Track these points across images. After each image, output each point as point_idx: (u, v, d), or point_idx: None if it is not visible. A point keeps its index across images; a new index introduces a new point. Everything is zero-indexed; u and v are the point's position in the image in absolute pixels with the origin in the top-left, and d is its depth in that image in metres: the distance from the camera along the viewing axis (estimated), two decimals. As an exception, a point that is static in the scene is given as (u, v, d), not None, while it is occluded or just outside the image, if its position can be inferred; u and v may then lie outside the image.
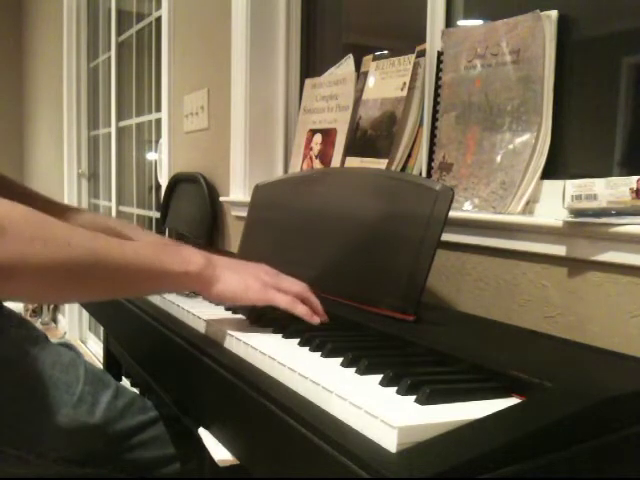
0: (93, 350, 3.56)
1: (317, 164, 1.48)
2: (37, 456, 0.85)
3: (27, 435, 0.84)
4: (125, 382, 1.10)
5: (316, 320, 0.78)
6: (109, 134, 3.28)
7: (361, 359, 0.62)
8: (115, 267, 0.67)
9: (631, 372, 0.66)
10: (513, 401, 0.56)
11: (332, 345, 0.67)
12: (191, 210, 2.04)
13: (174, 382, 0.85)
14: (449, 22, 1.20)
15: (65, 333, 3.92)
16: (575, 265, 0.90)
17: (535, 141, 0.98)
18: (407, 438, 0.46)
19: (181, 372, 0.80)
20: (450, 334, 0.81)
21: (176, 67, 2.25)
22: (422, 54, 1.22)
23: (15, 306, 0.97)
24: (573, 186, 0.85)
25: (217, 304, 0.91)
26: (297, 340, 0.72)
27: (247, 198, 1.49)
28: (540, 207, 1.00)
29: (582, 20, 0.99)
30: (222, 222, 1.94)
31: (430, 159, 1.16)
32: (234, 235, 1.85)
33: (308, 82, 1.58)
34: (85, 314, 3.76)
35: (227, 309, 0.89)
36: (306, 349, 0.69)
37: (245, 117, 1.76)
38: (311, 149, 1.51)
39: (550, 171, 0.99)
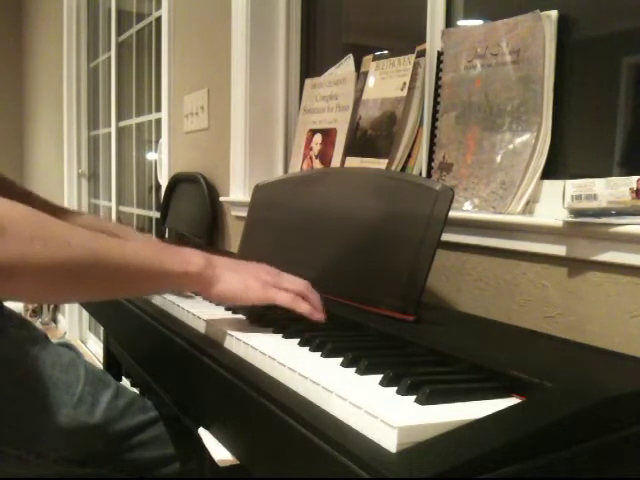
0: (93, 350, 3.56)
1: (317, 164, 1.48)
2: (37, 456, 0.85)
3: (27, 435, 0.84)
4: (125, 382, 1.10)
5: (318, 316, 0.78)
6: (109, 134, 3.28)
7: (361, 359, 0.62)
8: (115, 267, 0.67)
9: (631, 372, 0.66)
10: (513, 401, 0.56)
11: (332, 345, 0.67)
12: (191, 210, 2.04)
13: (174, 382, 0.85)
14: (449, 22, 1.20)
15: (65, 333, 3.92)
16: (575, 265, 0.90)
17: (535, 141, 0.98)
18: (407, 438, 0.46)
19: (181, 372, 0.80)
20: (450, 334, 0.81)
21: (176, 67, 2.25)
22: (422, 54, 1.22)
23: (15, 306, 0.97)
24: (573, 186, 0.85)
25: (217, 304, 0.91)
26: (297, 340, 0.72)
27: (247, 198, 1.49)
28: (540, 207, 1.00)
29: (582, 20, 0.99)
30: (222, 222, 1.94)
31: (430, 159, 1.16)
32: (234, 235, 1.85)
33: (308, 82, 1.58)
34: (85, 314, 3.76)
35: (227, 309, 0.89)
36: (306, 349, 0.69)
37: (245, 117, 1.76)
38: (311, 149, 1.51)
39: (550, 171, 0.99)
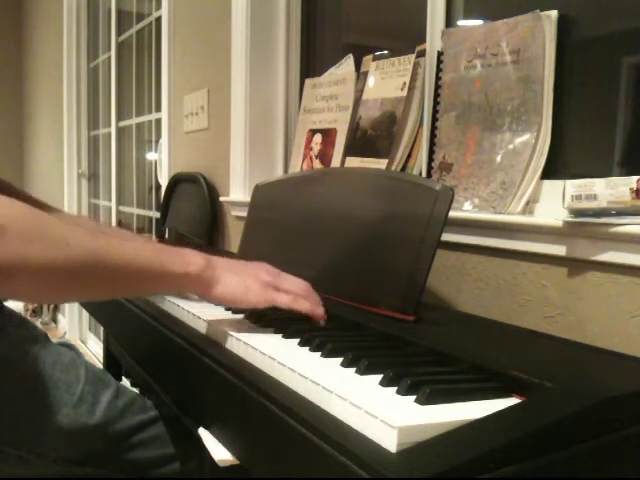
0: (93, 350, 3.56)
1: (317, 164, 1.48)
2: (37, 456, 0.85)
3: (27, 435, 0.84)
4: (125, 382, 1.10)
5: (319, 312, 0.78)
6: (109, 134, 3.28)
7: (361, 359, 0.62)
8: (115, 267, 0.67)
9: (631, 372, 0.66)
10: (513, 401, 0.56)
11: (332, 345, 0.67)
12: (191, 210, 2.04)
13: (174, 382, 0.85)
14: (449, 22, 1.20)
15: (65, 333, 3.92)
16: (575, 265, 0.90)
17: (535, 141, 0.98)
18: (407, 438, 0.46)
19: (181, 372, 0.80)
20: (450, 334, 0.81)
21: (176, 67, 2.25)
22: (422, 54, 1.22)
23: (15, 306, 0.97)
24: (573, 186, 0.85)
25: (217, 304, 0.91)
26: (297, 340, 0.72)
27: (247, 198, 1.49)
28: (540, 207, 1.00)
29: (582, 20, 0.99)
30: (222, 222, 1.94)
31: (430, 159, 1.16)
32: (234, 235, 1.85)
33: (308, 82, 1.58)
34: (85, 314, 3.76)
35: (227, 309, 0.89)
36: (306, 349, 0.69)
37: (245, 117, 1.76)
38: (311, 149, 1.51)
39: (550, 171, 0.99)
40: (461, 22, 1.20)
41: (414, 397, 0.53)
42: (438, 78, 1.15)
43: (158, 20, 2.49)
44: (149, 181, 2.89)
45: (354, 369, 0.61)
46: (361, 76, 1.38)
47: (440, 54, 1.15)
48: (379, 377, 0.58)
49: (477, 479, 0.44)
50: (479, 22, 1.14)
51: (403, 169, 1.25)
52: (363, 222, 0.95)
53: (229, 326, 0.77)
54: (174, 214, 2.16)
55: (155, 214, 2.74)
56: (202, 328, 0.81)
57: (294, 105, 1.76)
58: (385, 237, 0.90)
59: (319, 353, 0.67)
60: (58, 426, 0.85)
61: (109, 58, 3.23)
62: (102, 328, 1.77)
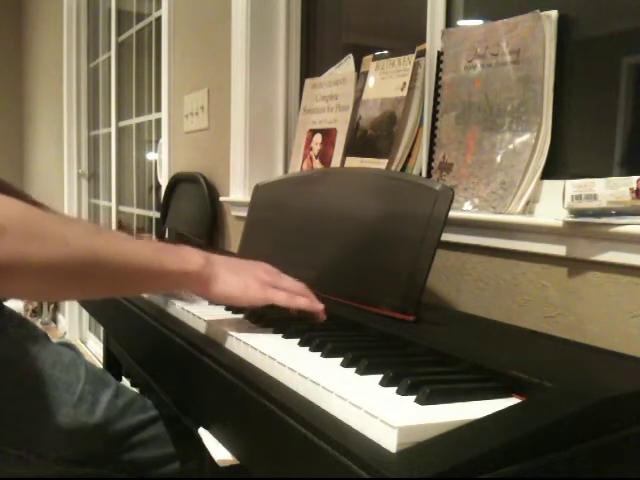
0: (93, 350, 3.56)
1: (317, 164, 1.48)
2: (37, 456, 0.85)
3: (27, 435, 0.84)
4: (125, 382, 1.10)
5: (318, 307, 0.78)
6: (109, 134, 3.28)
7: (361, 359, 0.62)
8: (114, 267, 0.67)
9: (631, 372, 0.66)
10: (513, 401, 0.56)
11: (332, 345, 0.67)
12: (191, 210, 2.04)
13: (174, 382, 0.85)
14: (449, 22, 1.20)
15: (65, 333, 3.92)
16: (575, 265, 0.90)
17: (535, 141, 0.98)
18: (407, 438, 0.46)
19: (181, 372, 0.80)
20: (450, 334, 0.81)
21: (176, 67, 2.25)
22: (422, 54, 1.22)
23: (15, 306, 0.97)
24: (573, 186, 0.85)
25: (217, 304, 0.91)
26: (297, 340, 0.72)
27: (247, 198, 1.49)
28: (540, 207, 1.00)
29: (582, 20, 0.99)
30: (222, 222, 1.94)
31: (430, 159, 1.16)
32: (234, 235, 1.85)
33: (308, 82, 1.58)
34: (85, 314, 3.76)
35: (227, 309, 0.89)
36: (306, 349, 0.69)
37: (245, 117, 1.76)
38: (311, 149, 1.51)
39: (550, 171, 0.99)
40: (461, 22, 1.20)
41: (414, 397, 0.53)
42: (438, 78, 1.15)
43: (158, 20, 2.49)
44: (149, 181, 2.89)
45: (354, 369, 0.61)
46: (361, 76, 1.38)
47: (440, 54, 1.15)
48: (379, 377, 0.58)
49: (477, 479, 0.44)
50: (479, 22, 1.14)
51: (403, 169, 1.25)
52: (363, 222, 0.95)
53: (229, 326, 0.77)
54: (174, 214, 2.16)
55: (155, 214, 2.74)
56: (202, 328, 0.81)
57: (294, 105, 1.76)
58: (385, 237, 0.90)
59: (319, 353, 0.67)
60: (58, 426, 0.85)
61: (109, 58, 3.23)
62: (102, 328, 1.77)
